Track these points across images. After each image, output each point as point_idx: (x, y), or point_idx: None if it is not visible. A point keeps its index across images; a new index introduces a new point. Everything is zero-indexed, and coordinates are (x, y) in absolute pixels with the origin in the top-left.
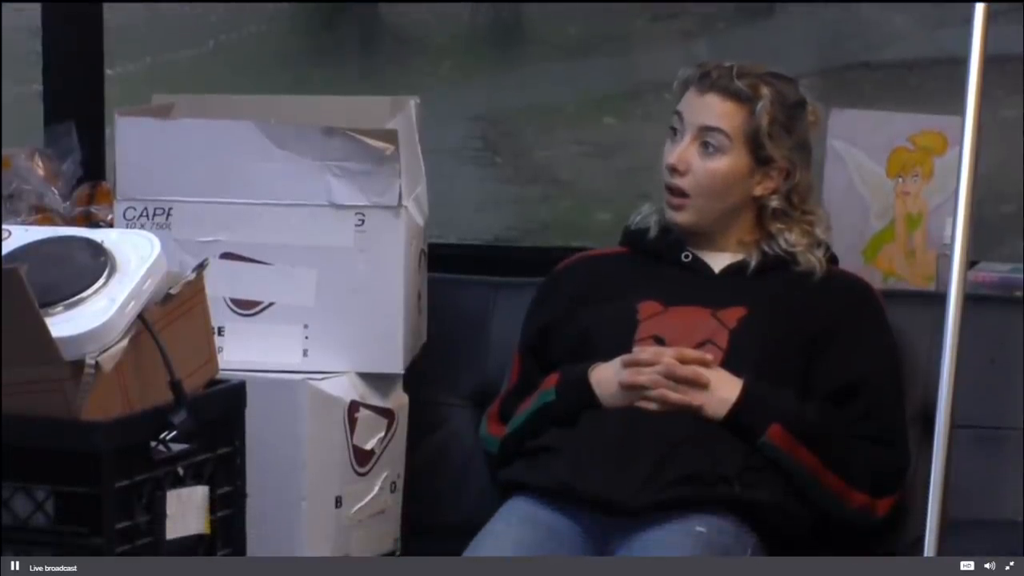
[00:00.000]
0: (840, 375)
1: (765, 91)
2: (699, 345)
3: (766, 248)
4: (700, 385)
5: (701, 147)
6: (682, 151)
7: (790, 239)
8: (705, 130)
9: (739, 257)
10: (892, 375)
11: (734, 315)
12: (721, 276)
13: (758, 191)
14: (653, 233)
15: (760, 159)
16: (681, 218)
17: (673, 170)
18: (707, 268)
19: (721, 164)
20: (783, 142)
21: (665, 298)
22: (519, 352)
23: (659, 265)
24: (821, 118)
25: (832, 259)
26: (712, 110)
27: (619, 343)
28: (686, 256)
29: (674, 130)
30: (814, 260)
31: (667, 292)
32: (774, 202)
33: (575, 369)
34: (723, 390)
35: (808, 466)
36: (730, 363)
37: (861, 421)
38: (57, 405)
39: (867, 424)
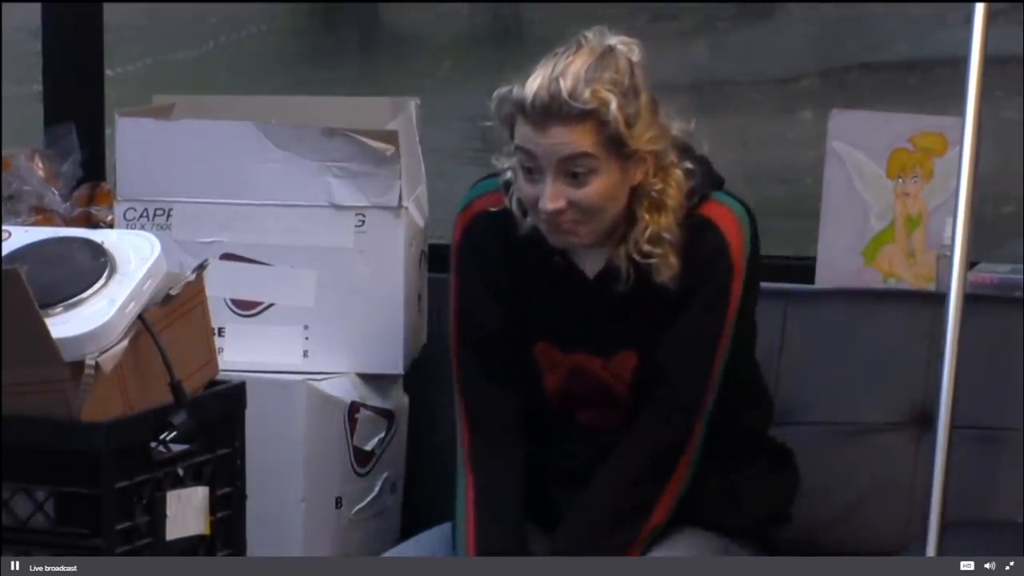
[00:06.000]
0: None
1: (604, 94)
2: (607, 411)
3: (629, 249)
4: None
5: (570, 178)
6: (553, 192)
7: (652, 234)
8: (567, 161)
9: (604, 259)
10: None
11: (626, 365)
12: (596, 284)
13: (637, 179)
14: (521, 226)
15: (627, 156)
16: (582, 242)
17: (555, 213)
18: (580, 275)
19: (597, 185)
20: (640, 122)
21: (557, 340)
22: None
23: (537, 262)
24: (637, 50)
25: (712, 180)
26: (564, 140)
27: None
28: (557, 260)
29: (528, 169)
30: (666, 272)
31: (556, 329)
32: (656, 187)
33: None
34: None
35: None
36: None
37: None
38: (57, 406)
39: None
